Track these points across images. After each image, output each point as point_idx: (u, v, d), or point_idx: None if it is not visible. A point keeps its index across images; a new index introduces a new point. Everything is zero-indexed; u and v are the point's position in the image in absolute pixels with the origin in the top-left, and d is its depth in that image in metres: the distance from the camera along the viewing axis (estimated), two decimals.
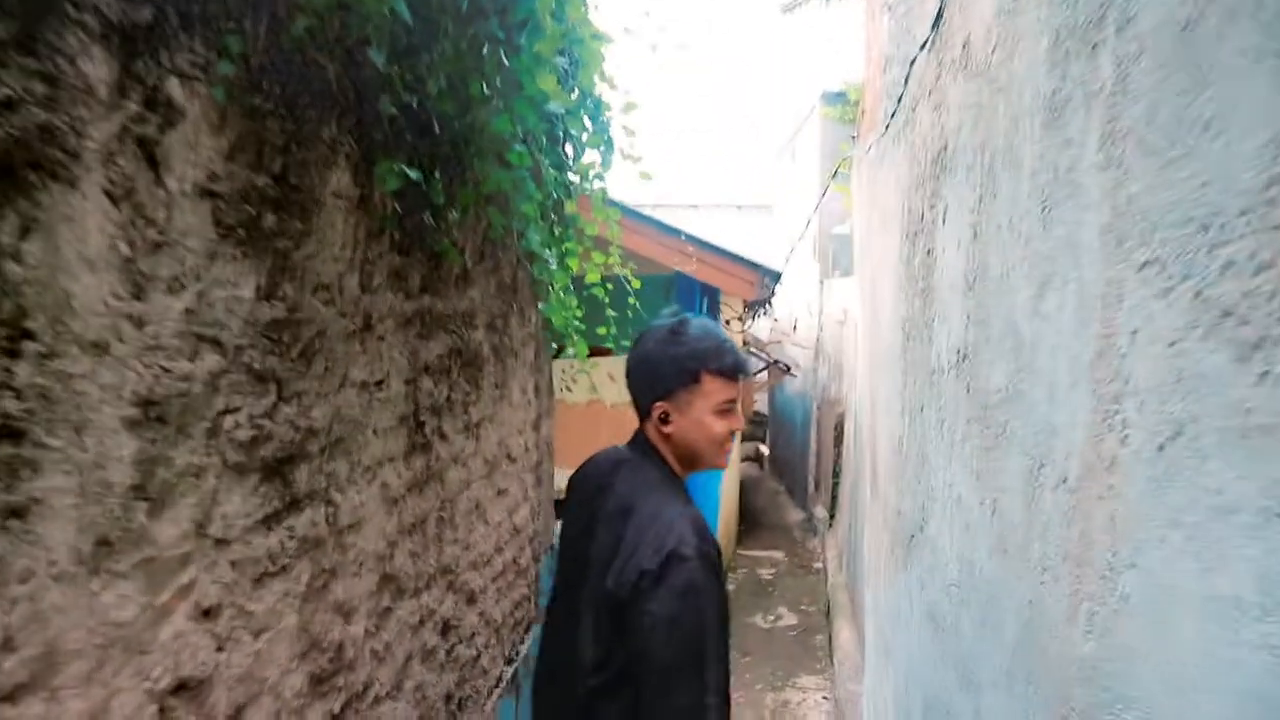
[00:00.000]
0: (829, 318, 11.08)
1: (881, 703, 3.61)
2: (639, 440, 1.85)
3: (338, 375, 1.45)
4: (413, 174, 1.52)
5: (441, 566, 2.01)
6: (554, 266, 2.75)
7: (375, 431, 1.60)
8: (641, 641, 1.47)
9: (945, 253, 2.29)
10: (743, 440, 12.71)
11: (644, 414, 1.85)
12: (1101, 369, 1.18)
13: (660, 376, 1.76)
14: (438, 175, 1.77)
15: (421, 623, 1.87)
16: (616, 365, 6.61)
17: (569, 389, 6.91)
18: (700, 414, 1.76)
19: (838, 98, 11.17)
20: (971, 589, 1.86)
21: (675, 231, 5.95)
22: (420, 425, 1.82)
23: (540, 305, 2.56)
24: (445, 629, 2.03)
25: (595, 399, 6.74)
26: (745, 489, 11.99)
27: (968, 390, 1.97)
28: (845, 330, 10.26)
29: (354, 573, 1.51)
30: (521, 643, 2.84)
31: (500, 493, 2.54)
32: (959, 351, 2.07)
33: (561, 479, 6.86)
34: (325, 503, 1.39)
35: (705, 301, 7.23)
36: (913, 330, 2.77)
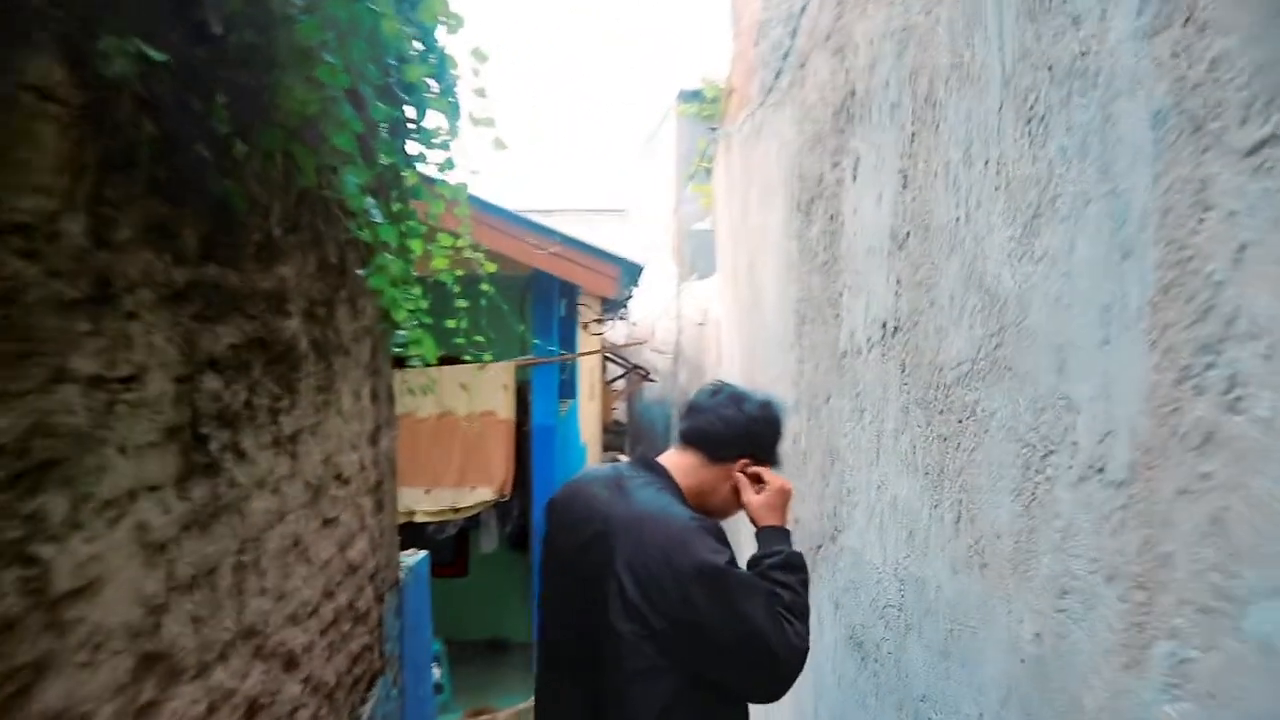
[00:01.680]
0: (688, 320, 10.86)
1: None
2: (652, 464, 1.89)
3: (44, 365, 0.97)
4: (156, 55, 1.04)
5: (244, 628, 1.51)
6: (392, 247, 2.27)
7: (123, 450, 1.11)
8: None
9: (858, 214, 1.95)
10: (603, 450, 12.34)
11: (720, 455, 1.85)
12: (1172, 309, 0.83)
13: (764, 440, 1.87)
14: (220, 98, 1.29)
15: (212, 712, 1.37)
16: (469, 375, 6.08)
17: (412, 393, 6.33)
18: (749, 487, 1.85)
19: (694, 96, 10.99)
20: (923, 613, 1.51)
21: (531, 224, 5.50)
22: (202, 440, 1.33)
23: (367, 274, 2.07)
24: (252, 711, 1.54)
25: (447, 412, 6.20)
26: None
27: (903, 369, 1.63)
28: (705, 332, 10.05)
29: (84, 661, 1.02)
30: (363, 703, 2.34)
31: (328, 523, 2.05)
32: (885, 325, 1.73)
33: (413, 501, 6.26)
34: (20, 561, 0.90)
35: (564, 304, 6.80)
36: (810, 312, 2.44)
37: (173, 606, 1.25)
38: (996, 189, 1.24)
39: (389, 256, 2.00)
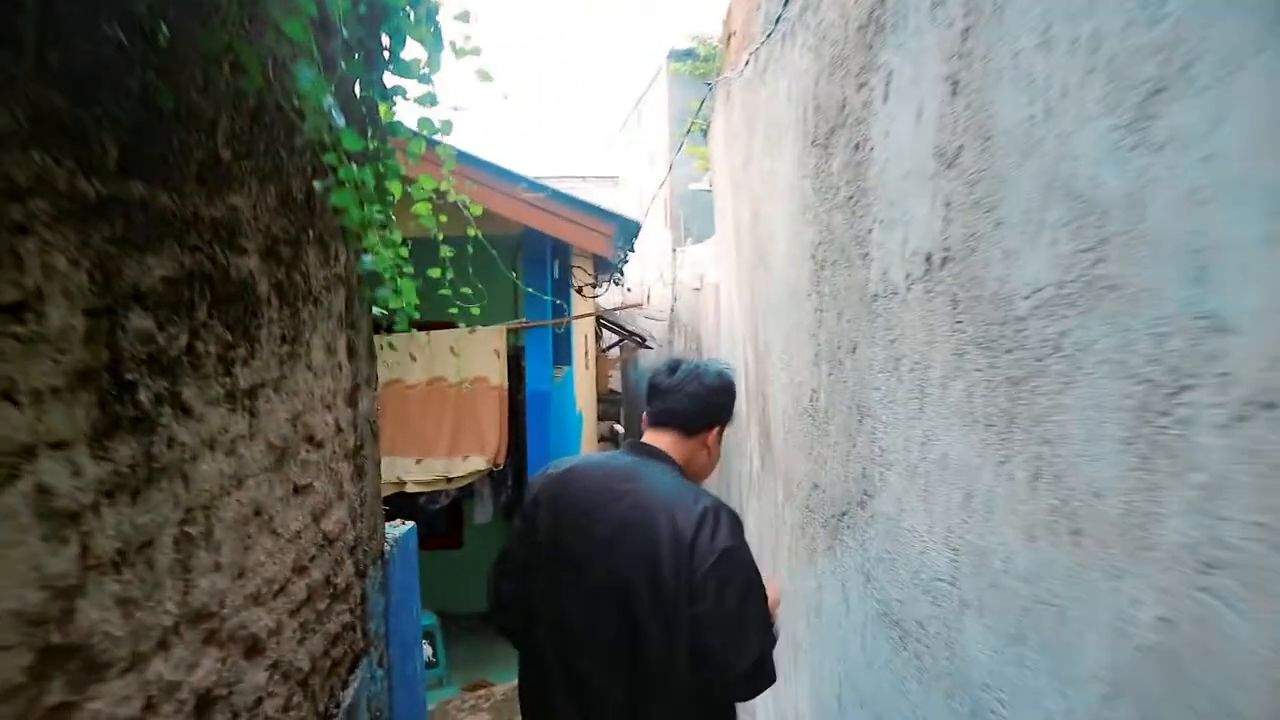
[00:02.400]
0: (683, 286, 10.61)
1: (788, 705, 3.08)
2: (652, 450, 2.06)
3: None
4: None
5: (191, 611, 1.30)
6: (357, 156, 2.02)
7: (12, 396, 0.89)
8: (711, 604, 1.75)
9: (891, 137, 1.72)
10: (599, 420, 12.13)
11: (693, 430, 2.08)
12: None
13: (727, 409, 2.12)
14: None
15: (151, 710, 1.16)
16: (460, 339, 5.85)
17: (392, 347, 6.04)
18: (716, 444, 2.12)
19: (686, 55, 10.68)
20: (985, 587, 1.29)
21: (521, 178, 5.24)
22: (127, 389, 1.10)
23: (324, 187, 1.82)
24: (205, 705, 1.32)
25: (437, 378, 5.97)
26: None
27: (954, 305, 1.40)
28: (702, 297, 9.81)
29: None
30: (344, 686, 2.13)
31: (299, 490, 1.82)
32: (929, 257, 1.51)
33: (403, 470, 6.04)
34: None
35: (557, 265, 6.55)
36: (830, 256, 2.21)
37: (90, 589, 1.03)
38: (1090, 72, 1.00)
39: (354, 169, 1.75)
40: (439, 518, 7.54)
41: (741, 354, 4.47)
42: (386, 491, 6.26)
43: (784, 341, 2.90)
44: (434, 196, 2.57)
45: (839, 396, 2.15)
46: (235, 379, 1.50)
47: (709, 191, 8.65)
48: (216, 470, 1.42)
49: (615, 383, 15.99)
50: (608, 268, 7.86)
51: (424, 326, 5.88)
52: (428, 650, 3.63)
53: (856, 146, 1.97)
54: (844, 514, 2.12)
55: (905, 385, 1.64)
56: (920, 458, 1.55)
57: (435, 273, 2.90)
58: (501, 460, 5.99)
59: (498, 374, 5.95)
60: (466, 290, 3.07)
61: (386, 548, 2.58)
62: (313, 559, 1.92)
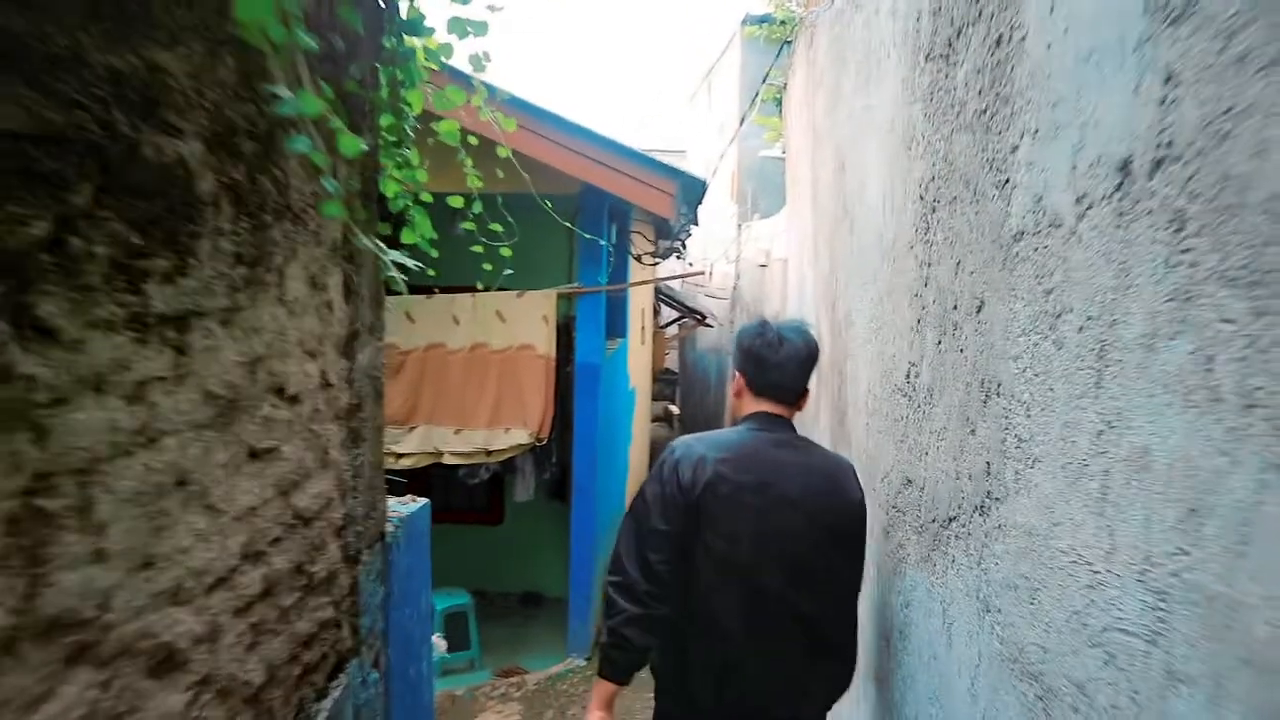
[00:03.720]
0: (748, 263, 10.11)
1: None
2: (787, 424, 2.24)
3: None
4: None
5: (41, 620, 0.91)
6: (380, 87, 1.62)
7: None
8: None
9: (1060, 10, 1.25)
10: (652, 399, 11.72)
11: (799, 396, 2.28)
12: None
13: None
14: None
15: None
16: (507, 303, 5.46)
17: (425, 321, 5.57)
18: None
19: (762, 20, 10.14)
20: (1234, 662, 0.83)
21: (579, 129, 4.80)
22: None
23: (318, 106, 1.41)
24: None
25: (480, 344, 5.59)
26: (655, 452, 11.01)
27: (1178, 227, 0.93)
28: (767, 275, 9.30)
29: None
30: (320, 697, 1.74)
31: (258, 455, 1.44)
32: (1130, 163, 1.03)
33: (440, 440, 5.68)
34: None
35: (615, 230, 6.11)
36: (947, 192, 1.74)
37: None
38: None
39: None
40: (478, 492, 7.21)
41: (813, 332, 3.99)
42: (423, 462, 5.93)
43: (873, 308, 2.44)
44: (464, 112, 2.15)
45: (952, 370, 1.69)
46: (147, 299, 1.09)
47: (781, 158, 8.14)
48: (104, 421, 1.01)
49: (672, 362, 15.54)
50: (668, 234, 7.41)
51: (454, 290, 5.52)
52: (439, 647, 3.24)
53: (998, 42, 1.49)
54: (952, 520, 1.65)
55: (1070, 351, 1.17)
56: (1094, 452, 1.09)
57: (469, 226, 2.49)
58: (545, 434, 5.61)
59: (545, 342, 5.56)
60: (505, 251, 2.66)
61: (390, 528, 2.18)
62: (275, 542, 1.53)
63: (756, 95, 7.84)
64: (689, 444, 2.16)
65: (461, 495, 7.39)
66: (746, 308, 10.20)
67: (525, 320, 5.55)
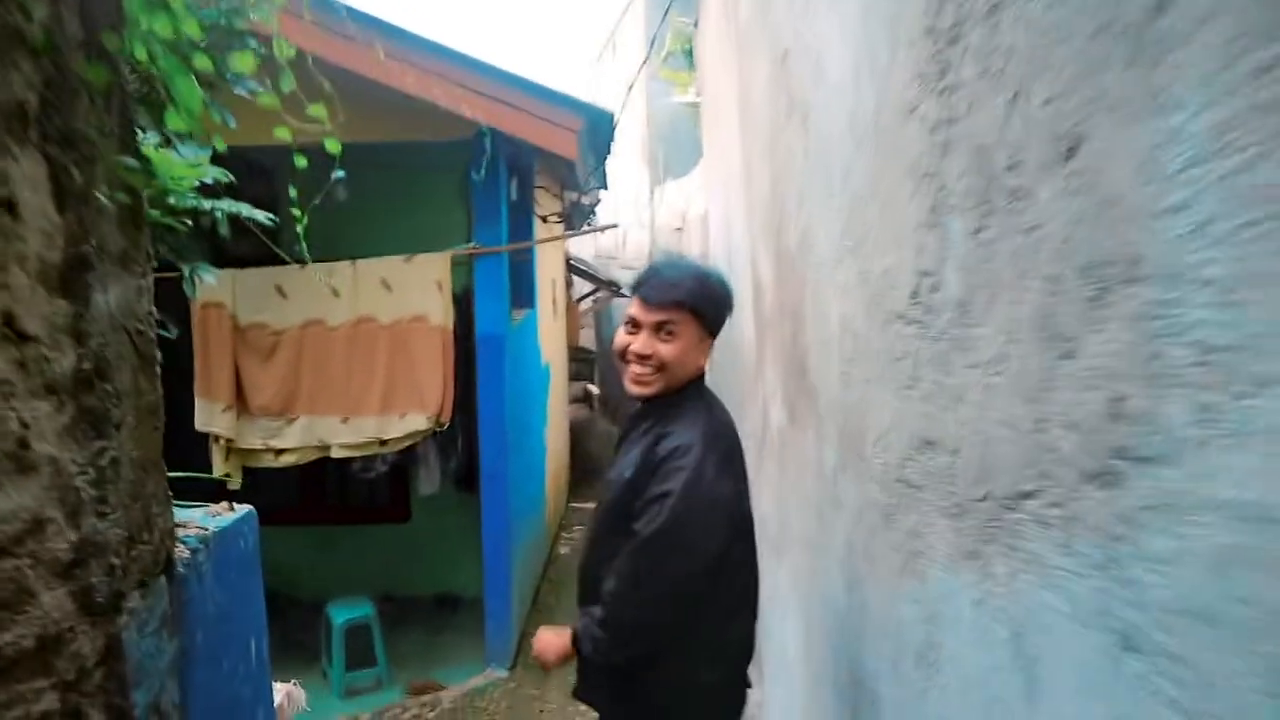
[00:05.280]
0: (663, 229, 9.51)
1: None
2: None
3: None
4: None
5: None
6: None
7: None
8: None
9: None
10: (570, 379, 11.05)
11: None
12: None
13: None
14: None
15: None
16: (393, 270, 4.74)
17: (299, 295, 4.74)
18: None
19: None
20: None
21: (468, 60, 4.08)
22: None
23: None
24: None
25: (365, 317, 4.85)
26: (575, 433, 10.39)
27: None
28: (684, 238, 8.72)
29: None
30: None
31: None
32: None
33: (327, 432, 4.93)
34: None
35: (515, 185, 5.40)
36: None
37: None
38: None
39: None
40: (379, 487, 6.48)
41: (749, 275, 3.40)
42: (308, 457, 5.18)
43: (846, 216, 1.83)
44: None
45: (1011, 264, 1.09)
46: None
47: (695, 104, 7.54)
48: None
49: (588, 340, 14.87)
50: (575, 188, 6.73)
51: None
52: (294, 698, 2.54)
53: None
54: (1026, 497, 1.06)
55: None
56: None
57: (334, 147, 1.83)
58: (447, 417, 4.91)
59: (440, 311, 4.86)
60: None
61: (184, 553, 1.49)
62: None
63: (653, 41, 7.19)
64: (707, 419, 2.04)
65: (361, 492, 6.64)
66: None
67: (416, 288, 4.83)
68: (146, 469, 1.39)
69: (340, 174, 2.28)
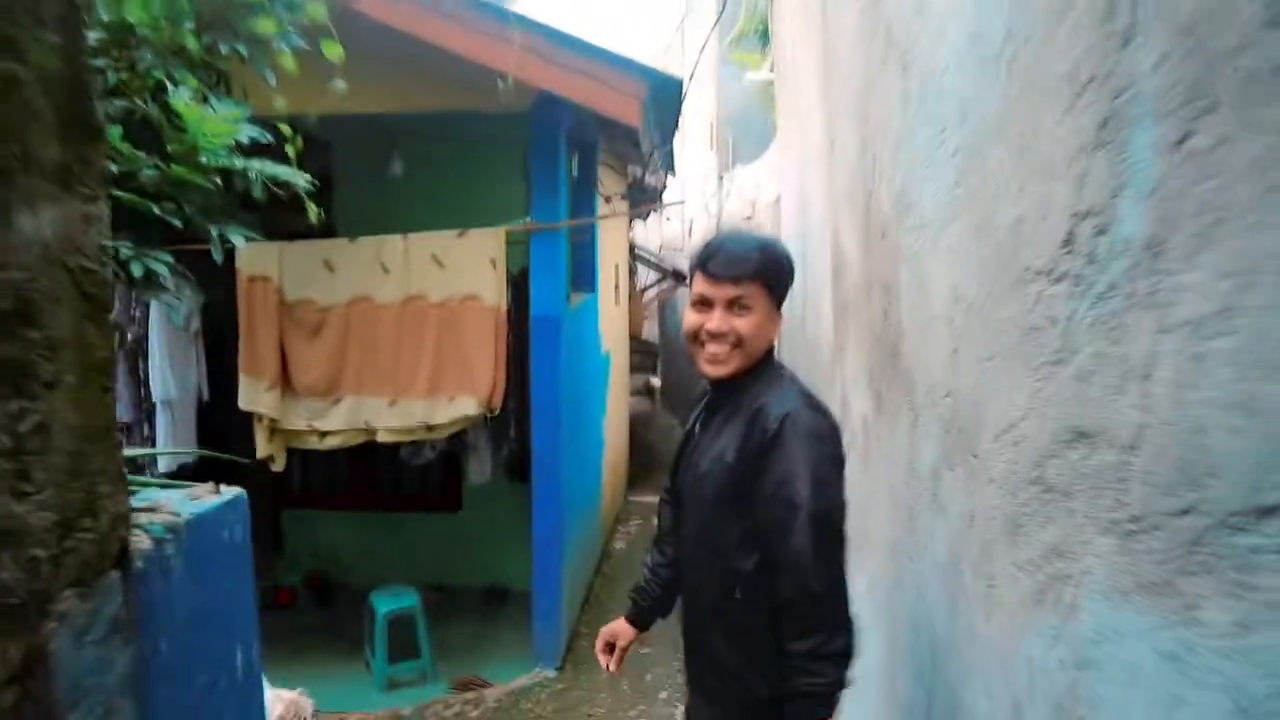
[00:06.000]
0: (732, 216, 9.17)
1: None
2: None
3: None
4: None
5: None
6: None
7: None
8: None
9: None
10: (631, 371, 10.78)
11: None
12: None
13: None
14: None
15: None
16: (446, 245, 4.51)
17: (346, 270, 4.48)
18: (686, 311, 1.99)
19: None
20: None
21: (521, 20, 3.80)
22: None
23: None
24: None
25: (416, 295, 4.62)
26: (635, 425, 10.11)
27: None
28: (754, 226, 8.38)
29: None
30: None
31: None
32: None
33: (373, 414, 4.72)
34: None
35: (577, 160, 5.13)
36: None
37: None
38: None
39: None
40: (431, 475, 6.28)
41: (827, 254, 3.06)
42: (353, 440, 4.98)
43: (965, 161, 1.50)
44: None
45: (1253, 178, 0.75)
46: None
47: (769, 83, 7.19)
48: None
49: (651, 333, 14.58)
50: (640, 164, 6.41)
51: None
52: (300, 706, 2.27)
53: None
54: (1270, 514, 0.72)
55: None
56: None
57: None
58: (498, 403, 4.66)
59: (494, 291, 4.60)
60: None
61: (146, 543, 1.23)
62: None
63: (739, 40, 6.84)
64: (810, 406, 1.89)
65: (414, 479, 6.46)
66: None
67: (469, 265, 4.58)
68: (91, 439, 1.13)
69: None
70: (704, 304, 1.93)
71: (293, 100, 4.55)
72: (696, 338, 1.94)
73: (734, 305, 1.89)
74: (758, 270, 1.91)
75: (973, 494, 1.46)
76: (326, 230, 5.56)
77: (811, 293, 3.66)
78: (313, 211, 1.63)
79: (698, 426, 2.05)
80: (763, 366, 1.95)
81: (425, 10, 3.72)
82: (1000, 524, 1.33)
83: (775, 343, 2.01)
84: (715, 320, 1.90)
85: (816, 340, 3.53)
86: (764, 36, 8.12)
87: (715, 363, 1.92)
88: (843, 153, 2.69)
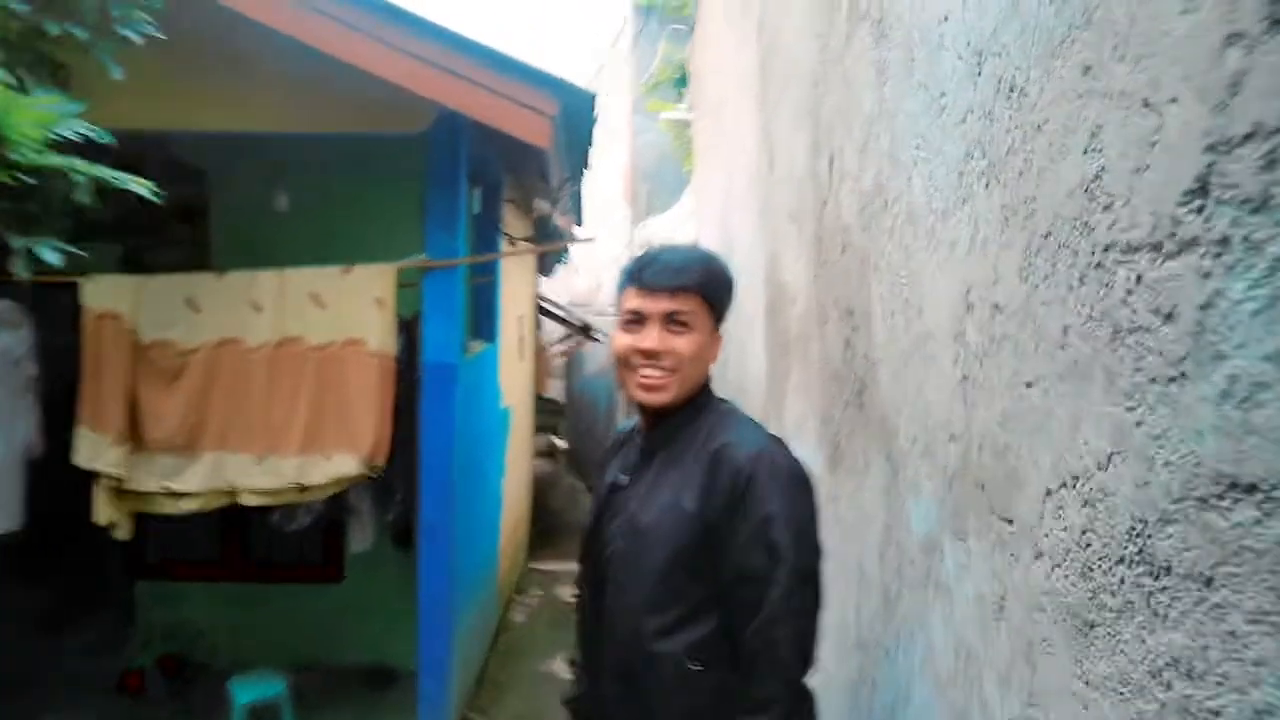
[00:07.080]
0: None
1: None
2: None
3: None
4: None
5: None
6: None
7: None
8: None
9: None
10: (535, 431, 10.27)
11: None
12: None
13: None
14: None
15: None
16: (327, 282, 3.90)
17: (212, 309, 3.94)
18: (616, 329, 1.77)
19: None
20: None
21: (428, 28, 3.36)
22: None
23: None
24: None
25: (290, 338, 4.07)
26: (539, 488, 9.58)
27: None
28: None
29: None
30: None
31: None
32: None
33: (238, 473, 4.10)
34: None
35: (479, 194, 4.69)
36: None
37: None
38: None
39: None
40: (311, 541, 5.63)
41: (759, 293, 2.69)
42: (213, 504, 4.35)
43: (986, 117, 1.13)
44: None
45: None
46: None
47: (685, 123, 6.95)
48: None
49: (558, 392, 14.10)
50: (548, 197, 6.02)
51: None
52: None
53: None
54: None
55: None
56: None
57: None
58: (381, 459, 4.12)
59: (380, 334, 4.09)
60: None
61: None
62: None
63: (655, 86, 6.61)
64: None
65: (291, 546, 5.79)
66: None
67: (352, 306, 4.07)
68: None
69: None
70: (636, 321, 1.67)
71: (157, 114, 4.00)
72: (627, 361, 1.68)
73: (670, 321, 1.64)
74: (700, 282, 1.66)
75: (1001, 573, 1.06)
76: (199, 266, 5.00)
77: (736, 335, 3.30)
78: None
79: (623, 476, 1.72)
80: (704, 397, 1.70)
81: (304, 10, 3.27)
82: (1061, 622, 0.92)
83: (709, 365, 1.72)
84: (651, 339, 1.64)
85: (741, 386, 3.14)
86: (680, 83, 7.94)
87: (651, 389, 1.65)
88: (786, 168, 2.34)
